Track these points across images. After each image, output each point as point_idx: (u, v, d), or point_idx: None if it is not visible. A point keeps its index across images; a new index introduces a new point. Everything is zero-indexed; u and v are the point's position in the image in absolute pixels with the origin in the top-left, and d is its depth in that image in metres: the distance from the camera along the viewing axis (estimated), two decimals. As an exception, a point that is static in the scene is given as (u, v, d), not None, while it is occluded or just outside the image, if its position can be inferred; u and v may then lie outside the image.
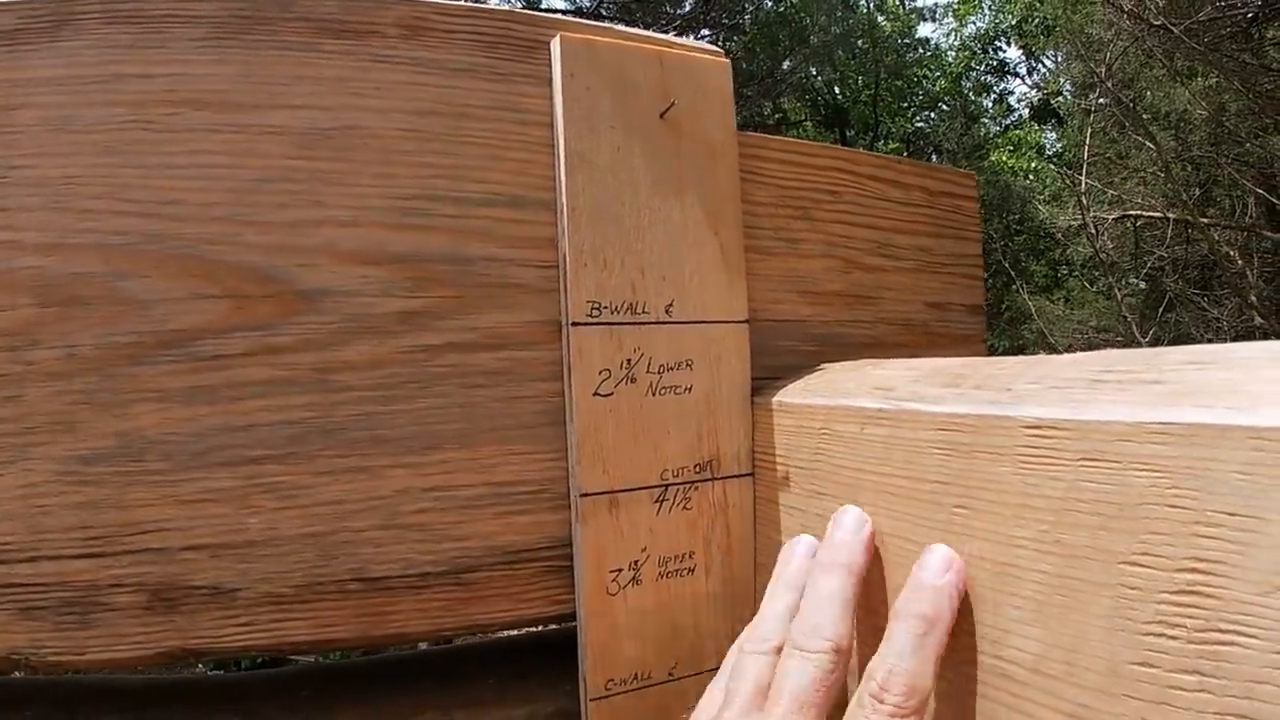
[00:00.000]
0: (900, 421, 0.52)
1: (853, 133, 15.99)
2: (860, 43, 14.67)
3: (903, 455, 0.52)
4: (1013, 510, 0.43)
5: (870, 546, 0.53)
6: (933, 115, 16.98)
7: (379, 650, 0.81)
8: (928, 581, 0.47)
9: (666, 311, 0.65)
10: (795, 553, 0.56)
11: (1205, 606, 0.33)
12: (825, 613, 0.49)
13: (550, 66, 0.64)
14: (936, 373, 0.55)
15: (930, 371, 0.56)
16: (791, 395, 0.65)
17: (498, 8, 0.63)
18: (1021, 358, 0.52)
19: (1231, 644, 0.32)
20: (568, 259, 0.62)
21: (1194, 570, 0.34)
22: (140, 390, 0.55)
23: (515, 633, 0.73)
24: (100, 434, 0.54)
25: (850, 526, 0.53)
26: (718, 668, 0.66)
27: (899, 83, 16.17)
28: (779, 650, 0.50)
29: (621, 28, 0.67)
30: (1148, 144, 9.10)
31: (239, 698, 0.67)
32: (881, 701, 0.44)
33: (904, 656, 0.45)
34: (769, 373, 0.71)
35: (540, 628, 0.69)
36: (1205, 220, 8.66)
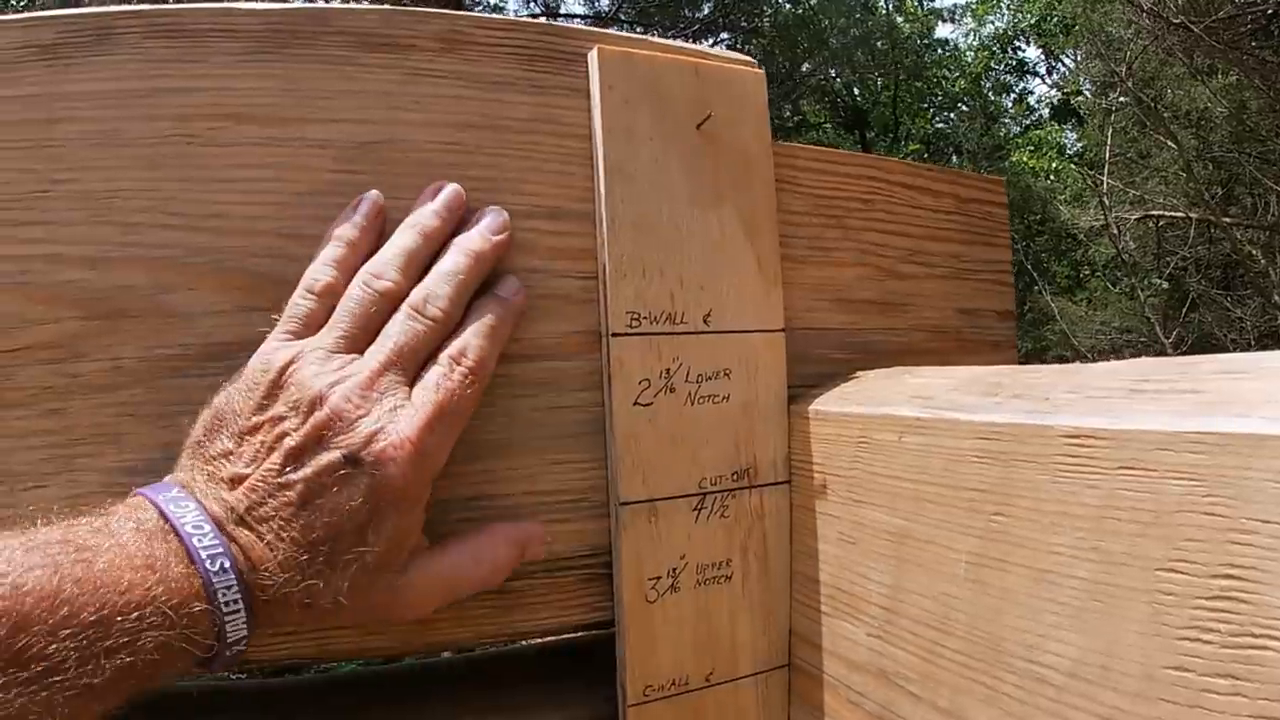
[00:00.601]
0: (939, 430, 0.53)
1: (873, 134, 15.96)
2: (879, 44, 14.63)
3: (941, 463, 0.52)
4: (1050, 518, 0.44)
5: (502, 246, 0.61)
6: (953, 116, 16.92)
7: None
8: (508, 297, 0.60)
9: (705, 321, 0.65)
10: (436, 202, 0.60)
11: (1239, 612, 0.34)
12: (445, 287, 0.57)
13: (588, 79, 0.64)
14: (974, 381, 0.55)
15: (967, 380, 0.56)
16: (828, 404, 0.65)
17: (535, 21, 0.64)
18: (1058, 366, 0.52)
19: (1265, 648, 0.33)
20: (607, 270, 0.62)
21: (1228, 576, 0.35)
22: (185, 402, 0.55)
23: (553, 638, 0.74)
24: (146, 445, 0.55)
25: (493, 226, 0.60)
26: (754, 674, 0.67)
27: (918, 84, 16.13)
28: (385, 295, 0.57)
29: (657, 39, 0.68)
30: (1169, 143, 9.05)
31: (274, 705, 0.68)
32: (458, 364, 0.56)
33: (481, 337, 0.57)
34: (804, 381, 0.71)
35: (579, 634, 0.69)
36: (1228, 219, 8.61)
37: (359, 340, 0.55)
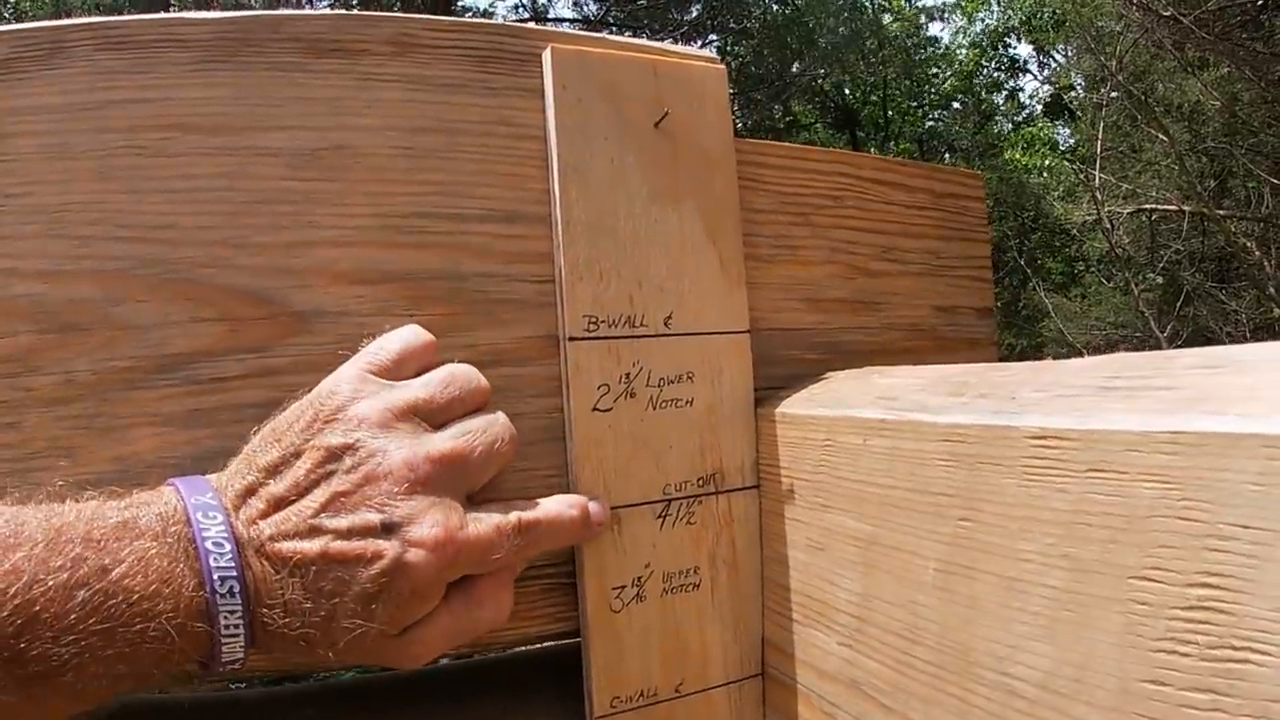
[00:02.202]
0: (903, 433, 0.51)
1: (864, 134, 16.02)
2: (868, 43, 14.66)
3: (906, 467, 0.51)
4: (1019, 523, 0.42)
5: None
6: (945, 114, 16.98)
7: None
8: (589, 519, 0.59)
9: (665, 324, 0.64)
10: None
11: (1218, 623, 0.32)
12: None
13: (542, 79, 0.63)
14: (941, 381, 0.54)
15: (935, 380, 0.55)
16: (795, 406, 0.64)
17: (487, 22, 0.63)
18: (1028, 364, 0.51)
19: (1245, 661, 0.31)
20: (563, 273, 0.61)
21: (1206, 585, 0.33)
22: (138, 414, 0.55)
23: (524, 649, 0.73)
24: (100, 459, 0.54)
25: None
26: (726, 684, 0.66)
27: (909, 82, 16.18)
28: (484, 392, 0.58)
29: (614, 38, 0.67)
30: (1161, 137, 9.07)
31: (243, 716, 0.67)
32: (520, 532, 0.55)
33: (551, 535, 0.58)
34: (773, 383, 0.70)
35: (546, 645, 0.68)
36: (1221, 212, 8.63)
37: (435, 416, 0.55)
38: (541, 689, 0.71)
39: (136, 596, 0.43)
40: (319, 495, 0.50)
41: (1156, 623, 0.35)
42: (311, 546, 0.49)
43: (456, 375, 0.57)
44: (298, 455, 0.51)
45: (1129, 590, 0.36)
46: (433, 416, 0.55)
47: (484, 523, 0.54)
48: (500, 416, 0.58)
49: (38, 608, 0.40)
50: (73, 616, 0.41)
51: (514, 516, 0.55)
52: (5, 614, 0.39)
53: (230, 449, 0.55)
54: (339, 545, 0.49)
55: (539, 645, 0.70)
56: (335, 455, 0.51)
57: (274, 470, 0.51)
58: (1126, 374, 0.41)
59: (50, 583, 0.41)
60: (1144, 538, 0.36)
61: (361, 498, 0.50)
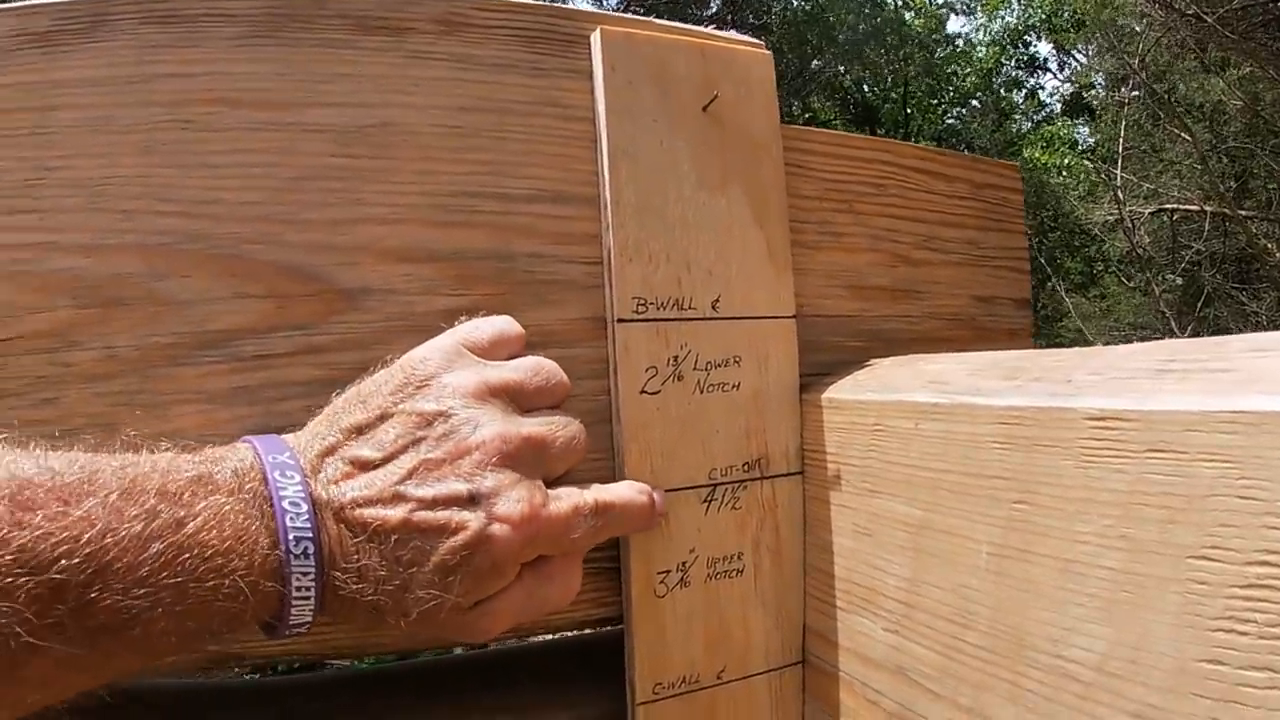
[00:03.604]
0: (957, 416, 0.51)
1: (883, 131, 15.95)
2: (889, 40, 14.61)
3: (959, 450, 0.51)
4: (1076, 505, 0.42)
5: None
6: (964, 112, 16.91)
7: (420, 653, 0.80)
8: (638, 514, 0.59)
9: (713, 307, 0.64)
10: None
11: (1277, 600, 0.32)
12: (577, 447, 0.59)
13: (590, 61, 0.63)
14: (993, 365, 0.54)
15: (986, 364, 0.55)
16: (842, 392, 0.64)
17: (536, 3, 0.63)
18: (1080, 349, 0.51)
19: (1305, 639, 0.31)
20: (612, 255, 0.61)
21: (1265, 563, 0.33)
22: (181, 391, 0.54)
23: (559, 636, 0.72)
24: (140, 436, 0.53)
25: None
26: (767, 671, 0.66)
27: (929, 80, 16.12)
28: (565, 388, 0.59)
29: (661, 21, 0.66)
30: (1183, 136, 9.02)
31: (277, 703, 0.67)
32: (598, 514, 0.56)
33: (623, 520, 0.58)
34: (817, 369, 0.70)
35: (586, 631, 0.68)
36: (1243, 213, 8.58)
37: (524, 401, 0.56)
38: (575, 676, 0.71)
39: (210, 552, 0.43)
40: (406, 461, 0.50)
41: (1215, 602, 0.35)
42: (394, 514, 0.48)
43: (545, 365, 0.58)
44: (385, 418, 0.51)
45: (1187, 570, 0.36)
46: (521, 400, 0.56)
47: (564, 502, 0.54)
48: (576, 420, 0.58)
49: (110, 557, 0.39)
50: (145, 569, 0.40)
51: (591, 498, 0.55)
52: (77, 560, 0.38)
53: (275, 427, 0.54)
54: (422, 515, 0.49)
55: (570, 634, 0.70)
56: (426, 421, 0.51)
57: (359, 432, 0.51)
58: (1180, 357, 0.41)
59: (124, 533, 0.40)
60: (1203, 517, 0.35)
61: (451, 467, 0.50)
